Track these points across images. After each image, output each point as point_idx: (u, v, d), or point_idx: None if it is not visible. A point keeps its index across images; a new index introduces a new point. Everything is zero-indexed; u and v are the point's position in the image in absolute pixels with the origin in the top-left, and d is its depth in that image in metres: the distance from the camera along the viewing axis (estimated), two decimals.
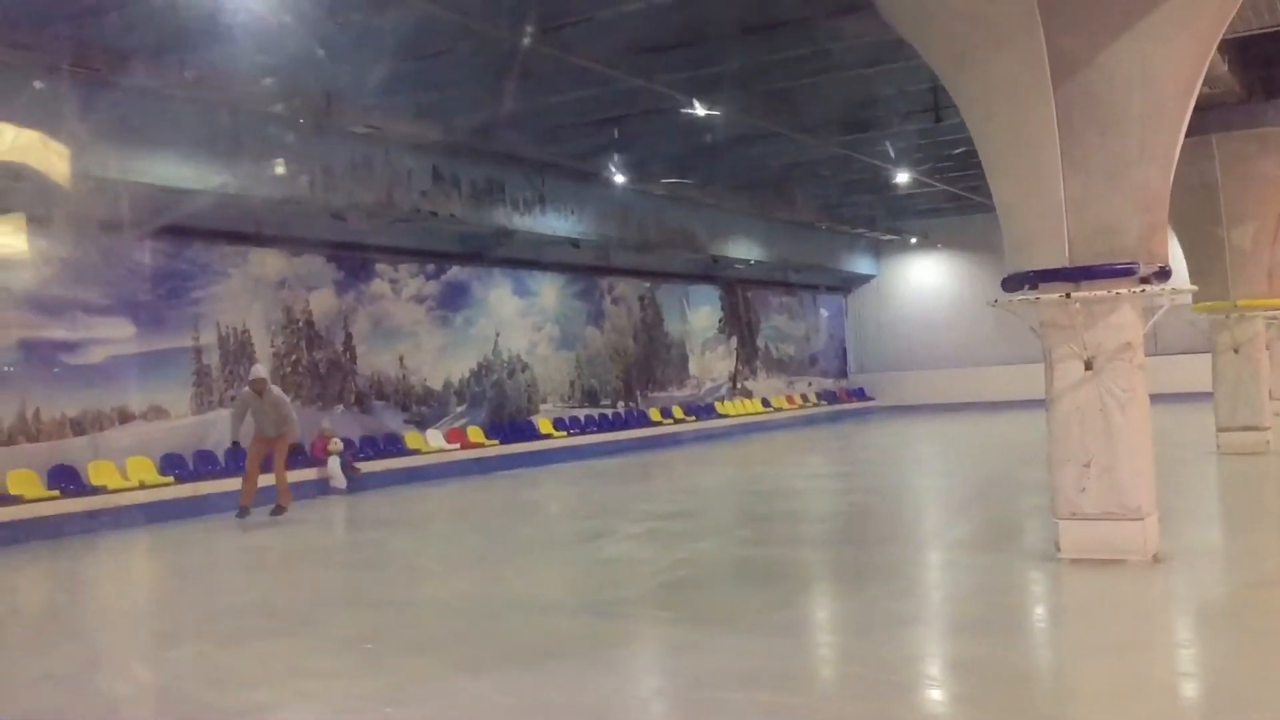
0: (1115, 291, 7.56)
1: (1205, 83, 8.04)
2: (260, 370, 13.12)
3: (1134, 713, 4.82)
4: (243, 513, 12.67)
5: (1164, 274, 7.76)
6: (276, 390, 13.08)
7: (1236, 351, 14.61)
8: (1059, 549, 7.81)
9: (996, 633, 6.32)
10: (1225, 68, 12.58)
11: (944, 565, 8.85)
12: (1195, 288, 10.39)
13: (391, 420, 18.09)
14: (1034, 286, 7.85)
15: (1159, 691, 5.20)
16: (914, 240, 30.88)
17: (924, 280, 32.17)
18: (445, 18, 10.96)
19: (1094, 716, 4.84)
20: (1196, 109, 7.86)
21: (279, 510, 12.86)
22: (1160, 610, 6.93)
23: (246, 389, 12.88)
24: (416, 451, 17.87)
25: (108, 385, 13.96)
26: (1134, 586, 7.22)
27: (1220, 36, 7.85)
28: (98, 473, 13.51)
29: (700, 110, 14.88)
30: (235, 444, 12.78)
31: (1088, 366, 7.69)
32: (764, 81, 14.88)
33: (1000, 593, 7.48)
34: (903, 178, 21.84)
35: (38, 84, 11.23)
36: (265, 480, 12.98)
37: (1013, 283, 7.97)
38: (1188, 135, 7.82)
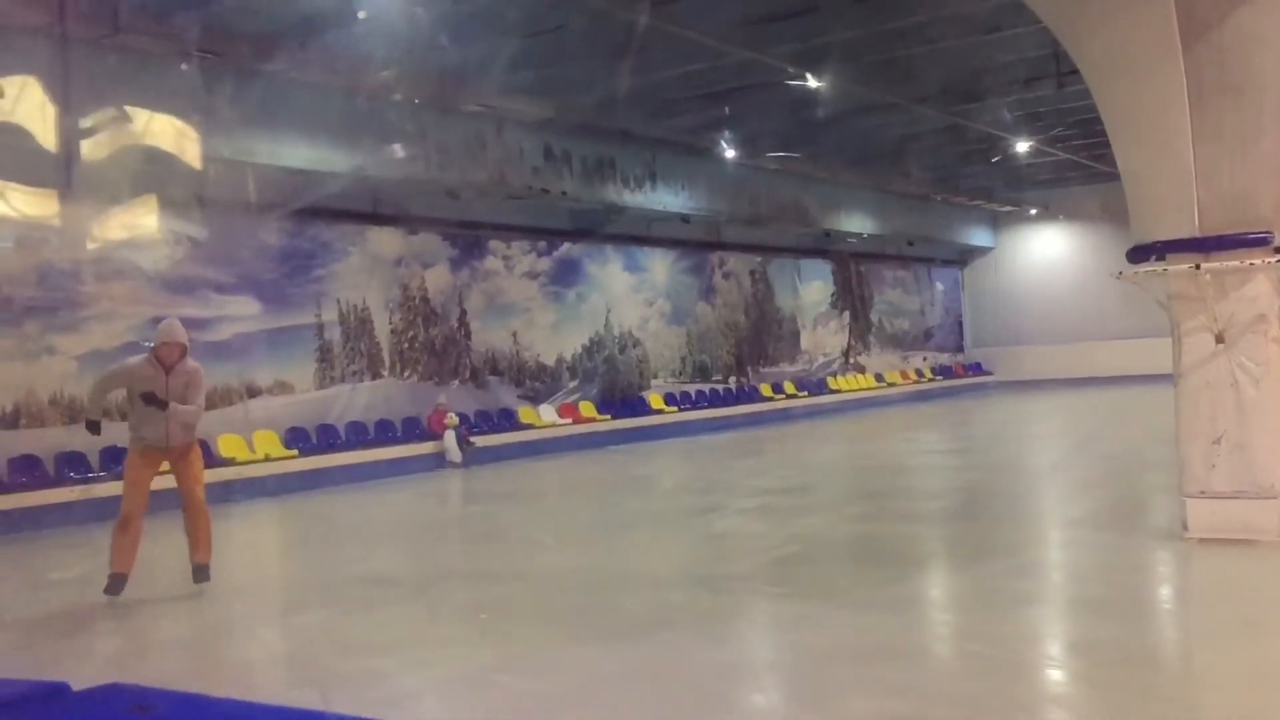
0: (1248, 262, 7.26)
1: None
2: (175, 329, 7.67)
3: (1262, 698, 4.65)
4: (114, 585, 7.43)
5: None
6: (193, 365, 7.69)
7: None
8: (1186, 528, 7.57)
9: (1119, 613, 6.16)
10: None
11: (1065, 543, 8.65)
12: None
13: (506, 395, 18.37)
14: (1161, 257, 7.59)
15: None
16: (1034, 211, 30.07)
17: (1044, 252, 31.30)
18: None
19: (1219, 701, 4.69)
20: None
21: (203, 573, 7.70)
22: None
23: (139, 359, 7.72)
24: (530, 426, 18.12)
25: (237, 361, 14.47)
26: (1265, 568, 6.96)
27: None
28: (227, 446, 14.02)
29: (812, 83, 14.70)
30: (92, 425, 7.80)
31: (1219, 340, 7.42)
32: (877, 51, 14.62)
33: (1123, 572, 7.29)
34: (1022, 147, 21.28)
35: (178, 68, 11.63)
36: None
37: (1139, 254, 7.72)
38: None
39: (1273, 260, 7.29)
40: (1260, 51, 7.05)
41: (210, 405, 13.71)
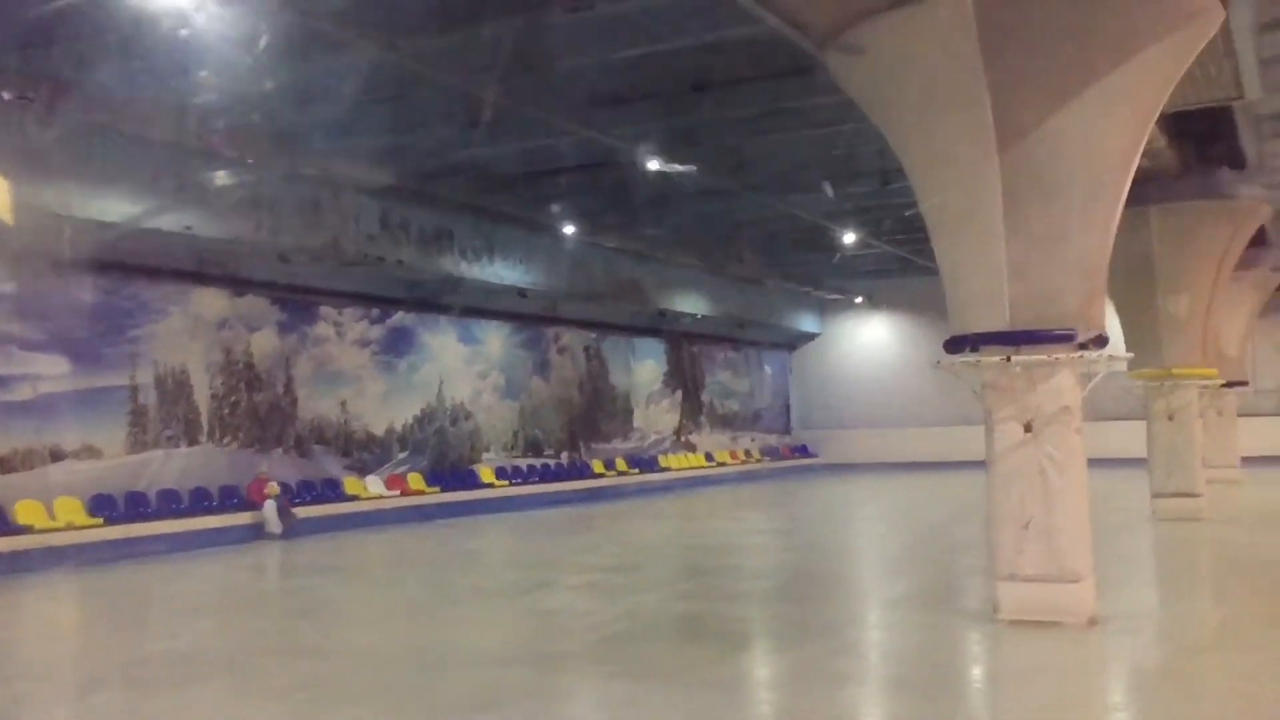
0: (1054, 356, 7.68)
1: (1144, 155, 8.24)
2: None
3: None
4: None
5: (1101, 341, 7.90)
6: None
7: (1171, 419, 14.87)
8: (997, 610, 7.84)
9: (933, 693, 6.32)
10: (1163, 141, 12.94)
11: (883, 624, 8.86)
12: (1131, 355, 10.59)
13: (331, 465, 17.84)
14: (975, 349, 7.95)
15: None
16: (859, 300, 31.26)
17: (868, 340, 32.52)
18: (401, 64, 10.99)
19: None
20: (1135, 180, 8.05)
21: None
22: (1095, 673, 6.98)
23: None
24: (356, 497, 17.62)
25: (39, 421, 13.64)
26: (1070, 649, 7.26)
27: (1159, 110, 8.08)
28: (24, 512, 13.14)
29: (655, 165, 15.01)
30: None
31: (1027, 429, 7.78)
32: (716, 139, 15.05)
33: (938, 652, 7.49)
34: (849, 238, 22.13)
35: None
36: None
37: (955, 345, 8.07)
38: (1126, 206, 8.01)
39: (1076, 356, 7.72)
40: (1068, 158, 7.54)
41: (8, 468, 12.90)
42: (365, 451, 18.49)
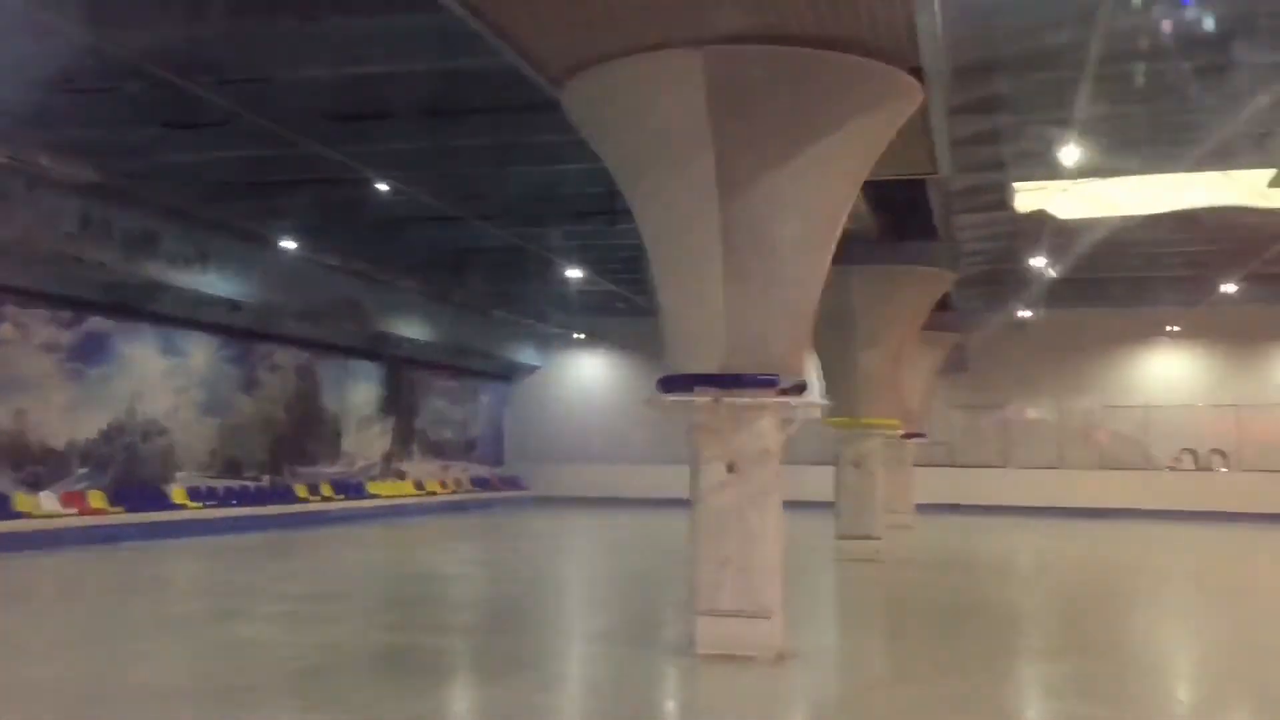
0: (759, 400, 8.05)
1: (850, 218, 8.81)
2: None
3: None
4: None
5: (803, 387, 8.35)
6: None
7: (857, 465, 15.90)
8: (694, 644, 8.09)
9: None
10: (866, 206, 13.90)
11: (586, 658, 8.95)
12: (828, 403, 11.25)
13: (0, 479, 16.30)
14: (688, 389, 8.21)
15: None
16: (580, 336, 31.73)
17: (586, 375, 33.02)
18: (112, 53, 10.29)
19: None
20: (841, 241, 8.60)
21: None
22: (781, 706, 7.30)
23: None
24: (26, 515, 16.15)
25: None
26: (760, 683, 7.57)
27: (865, 177, 8.67)
28: None
29: (382, 186, 14.72)
30: None
31: (730, 469, 8.10)
32: (447, 165, 14.95)
33: (637, 687, 7.64)
34: (574, 274, 22.45)
35: None
36: None
37: (669, 384, 8.32)
38: (832, 264, 8.53)
39: (779, 401, 8.13)
40: (783, 214, 7.96)
41: None
42: (40, 465, 17.00)
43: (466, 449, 31.00)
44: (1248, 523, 24.99)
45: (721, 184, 7.75)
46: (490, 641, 9.56)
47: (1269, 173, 18.59)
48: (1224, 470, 29.88)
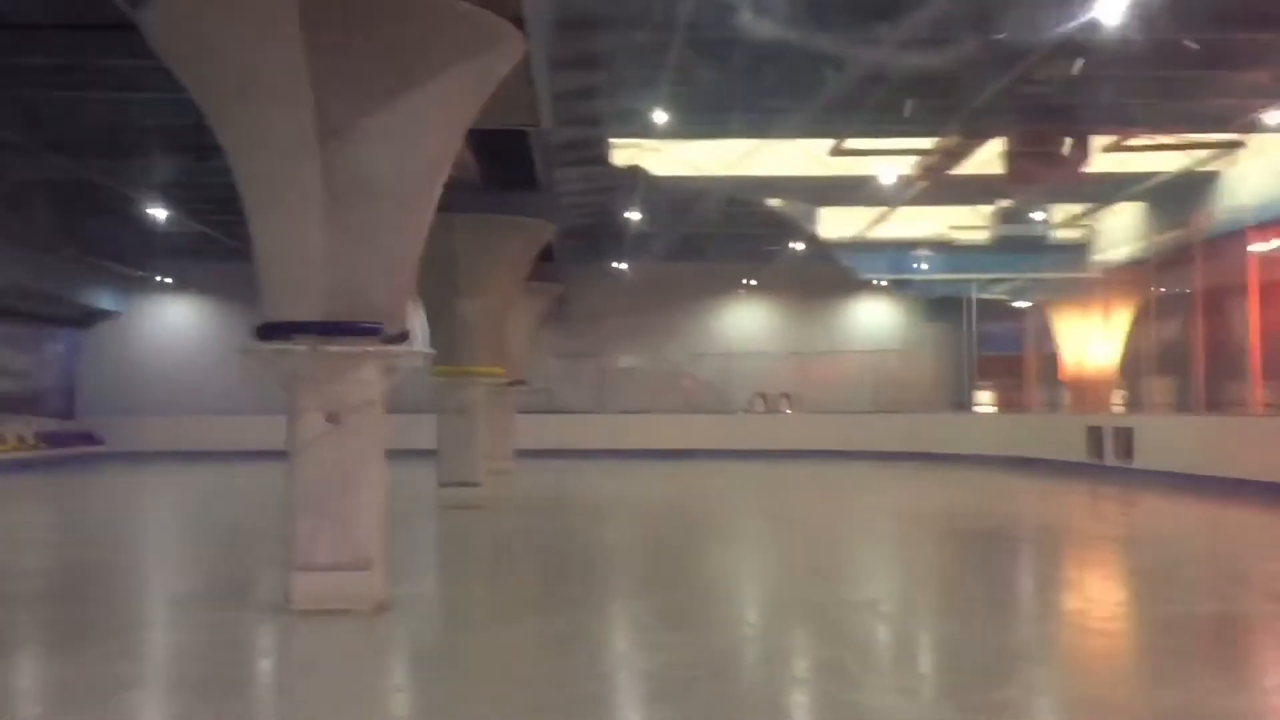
0: (362, 349, 7.87)
1: (454, 165, 8.77)
2: None
3: None
4: None
5: (405, 336, 8.26)
6: None
7: (461, 413, 16.01)
8: (290, 600, 7.83)
9: (219, 692, 6.12)
10: (470, 154, 13.90)
11: (172, 622, 8.42)
12: (432, 351, 11.21)
13: None
14: (286, 337, 7.88)
15: None
16: (165, 280, 29.57)
17: (173, 322, 30.89)
18: None
19: None
20: (446, 188, 8.54)
21: None
22: (381, 658, 7.25)
23: None
24: None
25: None
26: (359, 635, 7.47)
27: (469, 124, 8.65)
28: None
29: None
30: None
31: (330, 419, 7.88)
32: (8, 86, 13.33)
33: (228, 649, 7.29)
34: (159, 213, 20.84)
35: None
36: None
37: (266, 332, 7.94)
38: (437, 211, 8.46)
39: (382, 349, 7.98)
40: (385, 159, 7.78)
41: None
42: None
43: (31, 402, 28.07)
44: (809, 458, 27.70)
45: (321, 125, 7.44)
46: (63, 611, 8.75)
47: (829, 143, 20.53)
48: (789, 412, 32.92)
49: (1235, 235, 19.50)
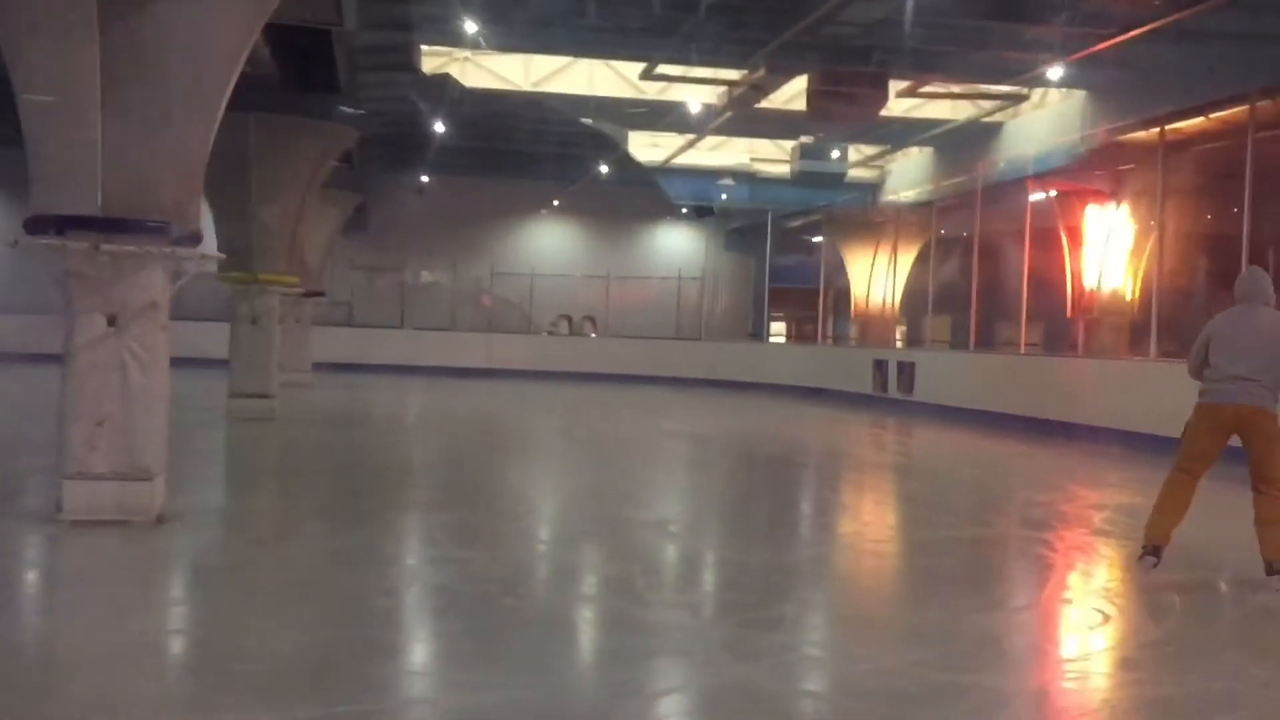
0: (146, 249, 7.46)
1: (248, 61, 8.33)
2: None
3: (120, 674, 4.78)
4: None
5: (195, 238, 7.87)
6: None
7: (254, 323, 15.45)
8: (61, 510, 7.45)
9: None
10: (268, 51, 13.25)
11: None
12: (223, 256, 10.73)
13: None
14: (61, 232, 7.39)
15: (147, 650, 5.23)
16: None
17: None
18: None
19: (81, 681, 4.69)
20: (238, 85, 8.11)
21: None
22: (160, 570, 7.01)
23: None
24: None
25: None
26: (136, 547, 7.19)
27: (267, 17, 8.21)
28: None
29: None
30: None
31: (111, 322, 7.47)
32: None
33: None
34: None
35: None
36: None
37: (37, 225, 7.42)
38: (228, 109, 8.04)
39: (168, 251, 7.59)
40: (173, 46, 7.32)
41: None
42: None
43: None
44: (613, 382, 28.08)
45: (102, 5, 6.93)
46: None
47: (640, 66, 20.56)
48: (594, 335, 33.22)
49: (1014, 184, 20.61)
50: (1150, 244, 17.56)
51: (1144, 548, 7.09)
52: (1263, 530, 6.73)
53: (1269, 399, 6.70)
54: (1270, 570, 6.68)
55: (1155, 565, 7.02)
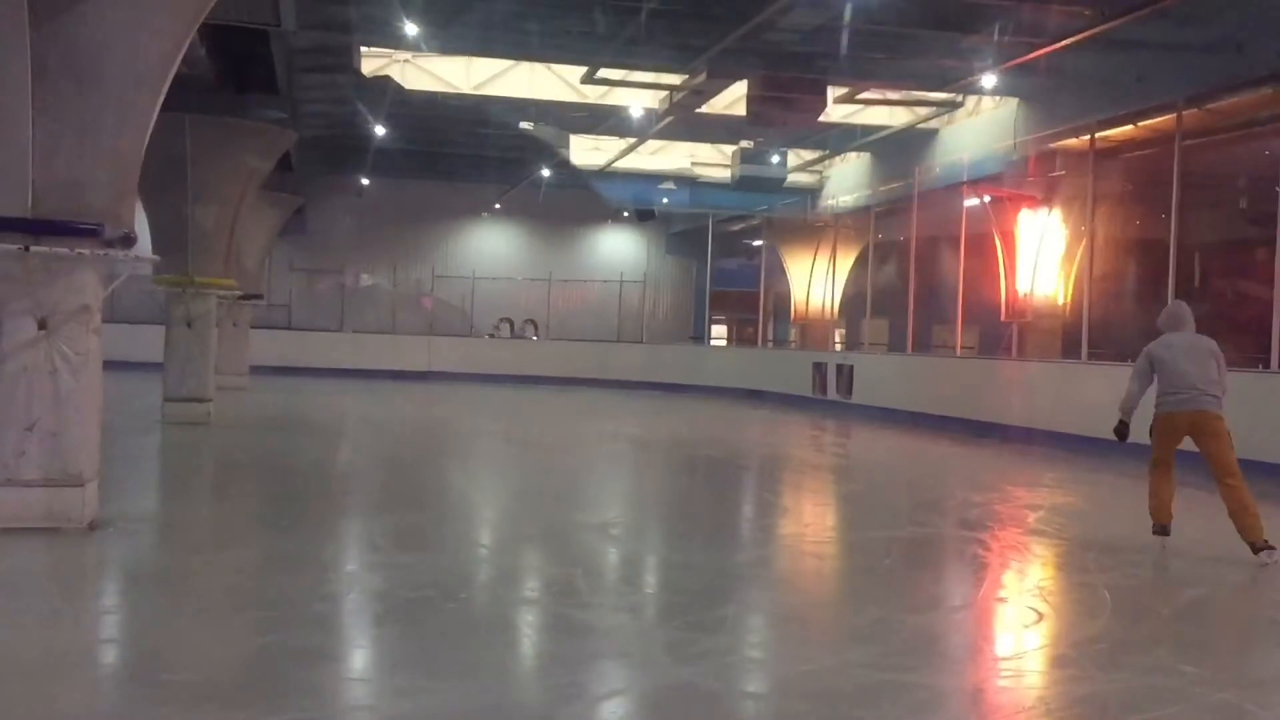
0: (77, 251, 7.33)
1: (185, 62, 8.22)
2: None
3: (49, 685, 4.69)
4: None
5: (129, 240, 7.73)
6: None
7: (190, 325, 15.22)
8: None
9: None
10: (204, 51, 13.07)
11: None
12: (157, 259, 10.57)
13: None
14: None
15: (79, 660, 5.14)
16: None
17: None
18: None
19: (8, 693, 4.59)
20: (174, 85, 8.00)
21: None
22: (92, 579, 6.89)
23: None
24: None
25: None
26: (67, 555, 7.06)
27: (203, 17, 8.11)
28: None
29: None
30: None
31: (41, 326, 7.33)
32: None
33: None
34: None
35: None
36: None
37: None
38: (164, 109, 7.92)
39: (101, 253, 7.46)
40: (108, 46, 7.20)
41: None
42: None
43: None
44: (555, 385, 28.04)
45: (33, 3, 6.80)
46: None
47: (581, 70, 20.58)
48: (535, 338, 33.15)
49: (949, 189, 20.92)
50: (1081, 249, 17.91)
51: (1154, 528, 7.99)
52: (1237, 519, 7.58)
53: (1218, 405, 7.81)
54: (1255, 549, 7.51)
55: (1166, 539, 7.97)
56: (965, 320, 19.99)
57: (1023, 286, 19.58)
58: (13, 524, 7.24)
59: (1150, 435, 8.04)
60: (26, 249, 7.18)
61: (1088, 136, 16.91)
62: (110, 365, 7.91)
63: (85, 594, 6.54)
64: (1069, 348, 18.13)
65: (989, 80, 19.21)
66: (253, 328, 23.70)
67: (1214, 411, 7.75)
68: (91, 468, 7.58)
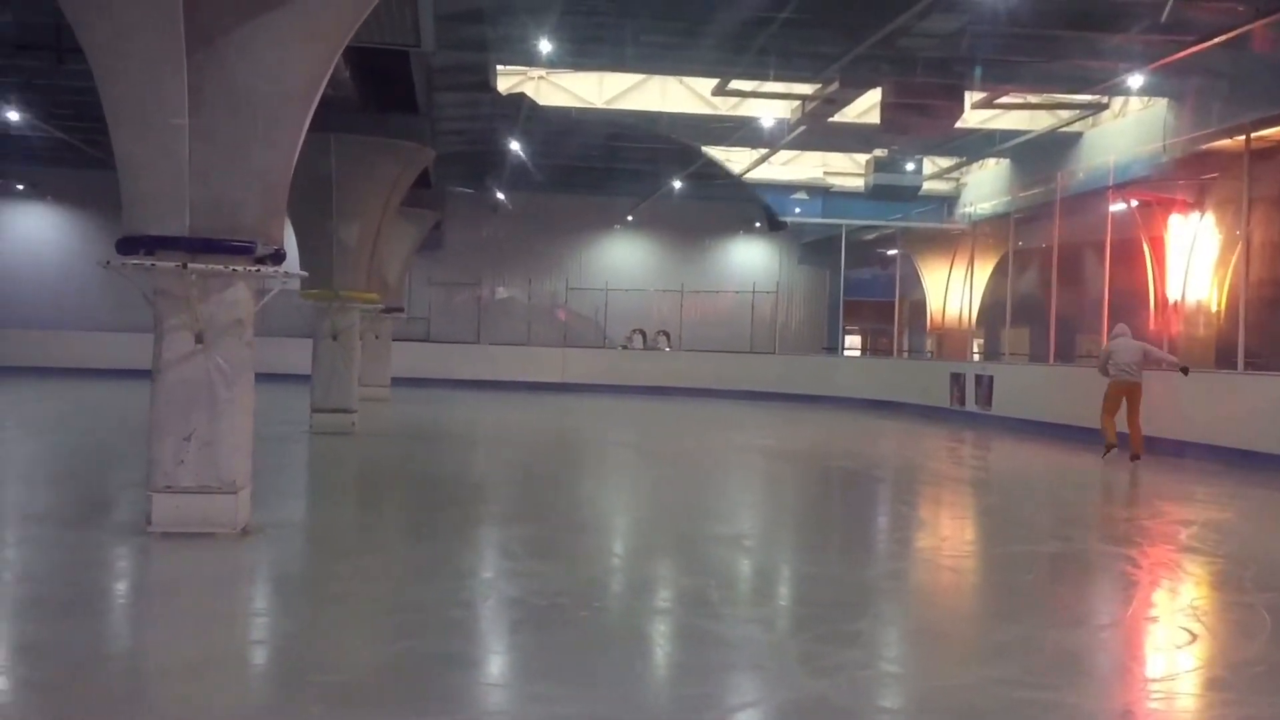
0: (231, 268, 7.66)
1: (329, 83, 8.52)
2: None
3: (205, 684, 4.90)
4: None
5: (279, 257, 8.06)
6: None
7: (335, 338, 15.75)
8: (150, 522, 7.67)
9: (76, 610, 5.99)
10: (348, 73, 13.53)
11: (23, 542, 8.16)
12: (305, 274, 10.97)
13: None
14: (151, 252, 7.62)
15: (231, 661, 5.36)
16: (20, 187, 28.16)
17: (29, 233, 29.47)
18: None
19: (167, 692, 4.82)
20: (320, 106, 8.30)
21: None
22: (244, 582, 7.16)
23: None
24: None
25: None
26: (221, 559, 7.36)
27: (347, 41, 8.40)
28: None
29: None
30: None
31: (198, 339, 7.68)
32: None
33: (82, 570, 7.11)
34: (12, 116, 19.79)
35: None
36: None
37: (128, 246, 7.66)
38: (310, 130, 8.23)
39: (253, 269, 7.79)
40: (258, 71, 7.51)
41: None
42: None
43: None
44: (687, 396, 28.07)
45: (190, 31, 7.14)
46: None
47: (713, 82, 20.61)
48: (668, 349, 33.24)
49: (1094, 194, 20.24)
50: (1236, 254, 17.11)
51: (1105, 447, 14.59)
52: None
53: (1140, 377, 14.51)
54: (1133, 457, 14.31)
55: (1110, 453, 14.66)
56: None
57: (1173, 294, 18.80)
58: (172, 528, 7.62)
59: (1105, 394, 14.66)
60: (185, 266, 7.55)
61: (1242, 137, 16.15)
62: (261, 377, 8.22)
63: (238, 597, 6.80)
64: (1224, 356, 17.32)
65: (1136, 80, 18.55)
66: (393, 340, 24.37)
67: (1139, 382, 14.49)
68: (244, 475, 7.91)
